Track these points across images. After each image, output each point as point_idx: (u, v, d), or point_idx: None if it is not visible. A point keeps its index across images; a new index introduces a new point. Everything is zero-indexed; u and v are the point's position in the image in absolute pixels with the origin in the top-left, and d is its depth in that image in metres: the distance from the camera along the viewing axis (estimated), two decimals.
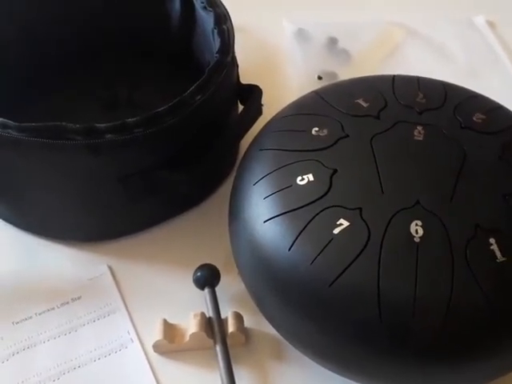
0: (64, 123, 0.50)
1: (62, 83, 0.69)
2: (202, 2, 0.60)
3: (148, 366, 0.52)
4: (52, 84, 0.69)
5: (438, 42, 0.81)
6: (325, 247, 0.44)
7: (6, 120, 0.50)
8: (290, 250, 0.45)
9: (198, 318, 0.52)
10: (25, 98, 0.66)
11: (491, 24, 0.83)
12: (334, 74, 0.75)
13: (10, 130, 0.50)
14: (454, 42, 0.80)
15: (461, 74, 0.76)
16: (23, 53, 0.68)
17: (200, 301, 0.54)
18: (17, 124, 0.50)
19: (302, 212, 0.46)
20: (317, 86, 0.66)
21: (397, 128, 0.50)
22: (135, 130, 0.51)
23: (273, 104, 0.59)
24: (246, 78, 0.63)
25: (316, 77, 0.75)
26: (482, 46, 0.81)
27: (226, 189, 0.61)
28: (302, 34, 0.80)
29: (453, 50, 0.80)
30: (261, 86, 0.61)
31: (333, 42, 0.79)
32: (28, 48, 0.68)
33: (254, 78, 0.63)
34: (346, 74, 0.73)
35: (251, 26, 0.78)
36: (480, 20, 0.83)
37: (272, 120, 0.55)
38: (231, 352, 0.51)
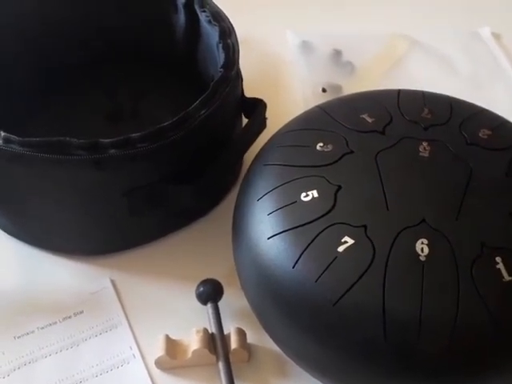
0: (68, 138, 0.50)
1: (67, 95, 0.69)
2: (207, 16, 0.60)
3: (150, 382, 0.51)
4: (57, 95, 0.69)
5: (442, 54, 0.80)
6: (329, 265, 0.43)
7: (8, 135, 0.50)
8: (294, 267, 0.45)
9: (201, 334, 0.51)
10: (29, 109, 0.66)
11: (496, 36, 0.83)
12: (338, 87, 0.75)
13: (12, 145, 0.50)
14: (459, 54, 0.80)
15: (466, 87, 0.75)
16: (28, 64, 0.67)
17: (203, 315, 0.54)
18: (20, 139, 0.50)
19: (307, 229, 0.45)
20: (321, 98, 0.66)
21: (402, 144, 0.50)
22: (139, 144, 0.51)
23: (277, 117, 0.59)
24: (249, 90, 0.63)
25: (320, 89, 0.74)
26: (488, 58, 0.80)
27: (229, 202, 0.61)
28: (306, 47, 0.80)
29: (458, 62, 0.79)
30: (265, 99, 0.61)
31: (337, 54, 0.79)
32: (32, 60, 0.68)
33: (258, 91, 0.63)
34: (350, 86, 0.73)
35: (255, 38, 0.78)
36: (485, 32, 0.83)
37: (276, 135, 0.54)
38: (234, 368, 0.51)
